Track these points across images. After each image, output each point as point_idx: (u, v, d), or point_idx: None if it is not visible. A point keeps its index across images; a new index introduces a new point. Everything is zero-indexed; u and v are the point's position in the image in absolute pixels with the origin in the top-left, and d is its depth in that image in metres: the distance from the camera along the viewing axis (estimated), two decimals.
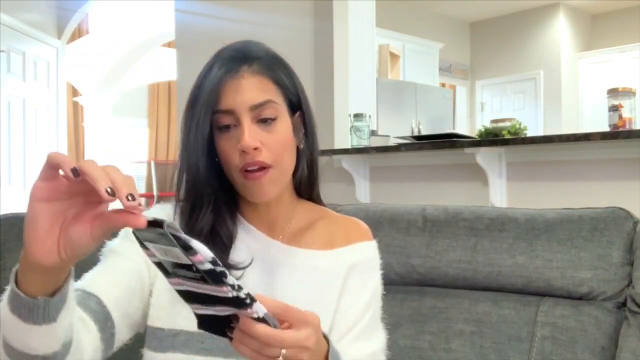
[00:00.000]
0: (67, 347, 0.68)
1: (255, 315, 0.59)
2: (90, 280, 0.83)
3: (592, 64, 7.13)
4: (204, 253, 0.56)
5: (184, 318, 0.86)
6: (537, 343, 1.11)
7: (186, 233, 0.87)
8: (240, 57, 0.87)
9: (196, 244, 0.55)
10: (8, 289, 0.63)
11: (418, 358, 1.18)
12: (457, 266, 1.22)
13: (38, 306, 0.61)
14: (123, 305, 0.83)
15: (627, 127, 2.52)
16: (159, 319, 0.87)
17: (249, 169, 0.85)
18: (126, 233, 0.90)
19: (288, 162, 0.89)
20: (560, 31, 7.05)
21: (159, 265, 0.60)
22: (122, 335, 0.84)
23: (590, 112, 6.92)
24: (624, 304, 1.12)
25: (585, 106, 7.10)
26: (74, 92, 8.04)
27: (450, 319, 1.19)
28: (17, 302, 0.62)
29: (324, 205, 1.01)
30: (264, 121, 0.86)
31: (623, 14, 6.99)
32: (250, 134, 0.84)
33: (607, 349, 1.08)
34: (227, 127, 0.86)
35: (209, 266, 0.56)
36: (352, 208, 1.36)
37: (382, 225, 1.29)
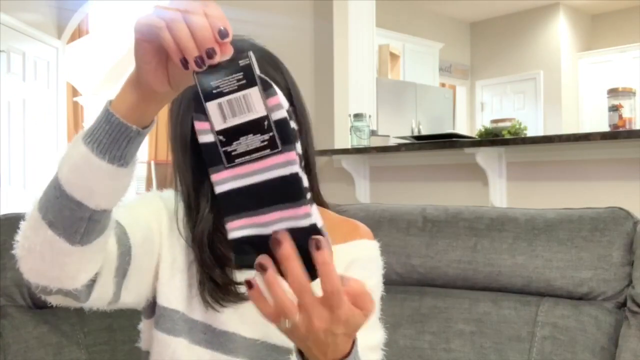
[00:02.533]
0: (108, 219, 0.66)
1: (307, 223, 0.52)
2: (116, 215, 0.78)
3: (592, 64, 7.13)
4: (281, 96, 0.52)
5: (194, 304, 0.86)
6: (537, 343, 1.11)
7: (190, 234, 0.86)
8: None
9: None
10: (93, 122, 0.62)
11: (418, 358, 1.18)
12: (457, 266, 1.22)
13: (129, 133, 0.61)
14: (141, 252, 0.80)
15: (627, 127, 2.52)
16: (176, 300, 0.86)
17: None
18: (142, 197, 0.90)
19: None
20: (560, 31, 7.05)
21: (210, 148, 0.53)
22: (131, 285, 0.79)
23: (590, 112, 6.92)
24: (624, 304, 1.12)
25: (585, 106, 7.10)
26: (74, 92, 8.04)
27: (450, 319, 1.19)
28: (103, 131, 0.61)
29: (325, 205, 0.98)
30: None
31: (623, 14, 6.99)
32: None
33: (607, 349, 1.08)
34: None
35: (284, 114, 0.51)
36: (352, 208, 1.36)
37: (382, 225, 1.29)
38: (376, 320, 0.93)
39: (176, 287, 0.86)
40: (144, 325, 0.92)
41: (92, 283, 0.70)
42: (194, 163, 0.85)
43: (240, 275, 0.85)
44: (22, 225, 0.66)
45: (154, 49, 0.57)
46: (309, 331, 0.57)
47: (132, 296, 0.82)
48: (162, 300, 0.86)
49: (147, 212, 0.87)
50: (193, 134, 0.84)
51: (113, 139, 0.61)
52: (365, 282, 0.90)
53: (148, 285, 0.86)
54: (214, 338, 0.85)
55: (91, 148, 0.61)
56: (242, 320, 0.86)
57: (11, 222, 1.13)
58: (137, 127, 0.62)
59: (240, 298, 0.84)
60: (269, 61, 0.88)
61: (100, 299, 0.74)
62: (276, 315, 0.56)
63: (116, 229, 0.76)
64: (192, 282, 0.86)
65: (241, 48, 0.55)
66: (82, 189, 0.62)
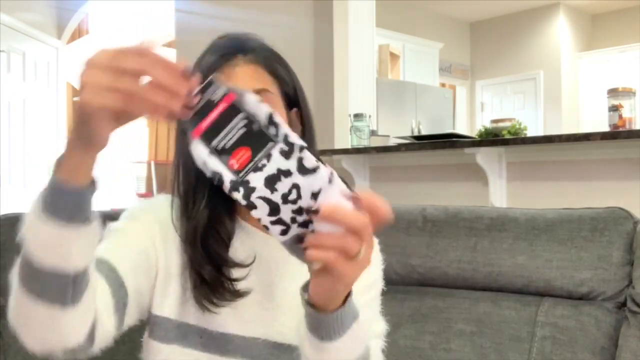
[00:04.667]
0: (89, 271, 0.67)
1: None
2: (101, 251, 0.79)
3: (592, 64, 7.13)
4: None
5: (188, 309, 0.86)
6: (537, 343, 1.11)
7: (184, 230, 0.87)
8: (236, 46, 0.87)
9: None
10: (42, 191, 0.62)
11: (418, 358, 1.18)
12: (457, 266, 1.22)
13: (85, 196, 0.61)
14: (134, 278, 0.81)
15: (627, 127, 2.52)
16: (169, 308, 0.86)
17: None
18: (130, 214, 0.90)
19: None
20: (560, 31, 7.05)
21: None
22: (132, 311, 0.81)
23: (590, 112, 6.92)
24: (624, 304, 1.12)
25: (585, 106, 7.10)
26: (74, 92, 8.04)
27: (450, 319, 1.19)
28: (61, 198, 0.61)
29: None
30: None
31: (623, 14, 6.99)
32: None
33: (607, 349, 1.08)
34: None
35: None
36: None
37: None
38: (377, 309, 0.94)
39: (170, 294, 0.86)
40: (145, 335, 0.92)
41: (92, 330, 0.71)
42: None
43: (235, 272, 0.85)
44: (11, 302, 0.67)
45: (117, 114, 0.56)
46: (367, 262, 0.61)
47: (136, 316, 0.83)
48: (155, 309, 0.87)
49: (136, 231, 0.86)
50: None
51: (75, 204, 0.61)
52: (366, 275, 0.91)
53: (149, 300, 0.87)
54: (210, 341, 0.85)
55: (60, 215, 0.60)
56: (241, 320, 0.86)
57: (11, 222, 1.13)
58: (87, 184, 0.61)
59: (235, 295, 0.84)
60: (277, 59, 0.90)
61: (104, 340, 0.75)
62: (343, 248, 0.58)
63: (102, 268, 0.76)
64: (186, 285, 0.86)
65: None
66: (57, 261, 0.62)
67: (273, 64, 0.88)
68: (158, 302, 0.86)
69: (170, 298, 0.86)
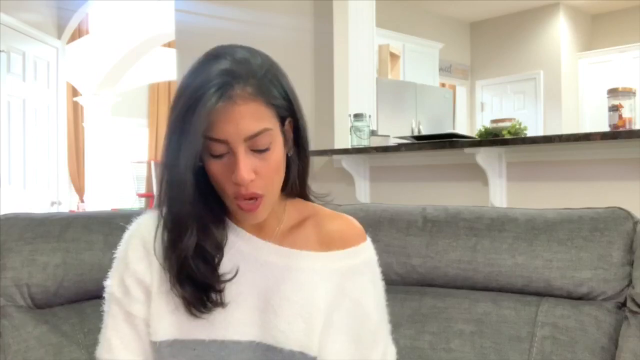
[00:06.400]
0: None
1: None
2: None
3: (592, 64, 7.12)
4: None
5: (180, 323, 0.86)
6: (537, 343, 1.11)
7: (168, 263, 0.89)
8: (230, 74, 0.81)
9: None
10: None
11: (418, 358, 1.18)
12: (457, 266, 1.22)
13: None
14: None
15: (627, 127, 2.52)
16: (163, 330, 0.87)
17: (242, 199, 0.84)
18: (120, 276, 0.90)
19: (278, 184, 0.89)
20: (560, 31, 7.05)
21: None
22: None
23: (590, 112, 6.92)
24: (624, 304, 1.12)
25: (585, 106, 7.09)
26: (74, 92, 8.04)
27: (450, 319, 1.19)
28: None
29: (314, 201, 0.99)
30: (259, 150, 0.83)
31: (623, 14, 6.99)
32: (245, 165, 0.81)
33: (607, 349, 1.08)
34: (220, 155, 0.83)
35: None
36: (352, 208, 1.36)
37: (382, 225, 1.29)
38: (388, 335, 0.97)
39: (162, 315, 0.87)
40: None
41: None
42: (193, 181, 0.84)
43: (222, 268, 0.88)
44: None
45: None
46: None
47: None
48: (155, 336, 0.87)
49: (133, 294, 0.89)
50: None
51: None
52: (365, 287, 0.93)
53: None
54: (204, 351, 0.85)
55: None
56: (236, 324, 0.87)
57: (11, 222, 1.13)
58: None
59: (222, 305, 0.86)
60: (273, 80, 0.85)
61: None
62: None
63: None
64: (175, 300, 0.87)
65: None
66: None
67: (271, 91, 0.84)
68: (157, 327, 0.87)
69: (164, 319, 0.87)
